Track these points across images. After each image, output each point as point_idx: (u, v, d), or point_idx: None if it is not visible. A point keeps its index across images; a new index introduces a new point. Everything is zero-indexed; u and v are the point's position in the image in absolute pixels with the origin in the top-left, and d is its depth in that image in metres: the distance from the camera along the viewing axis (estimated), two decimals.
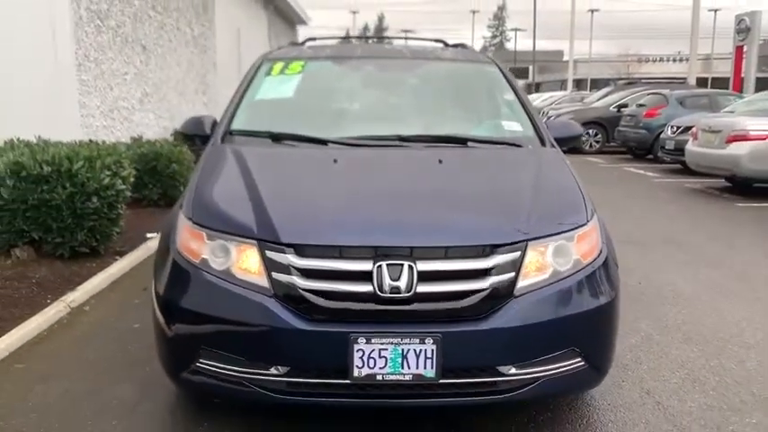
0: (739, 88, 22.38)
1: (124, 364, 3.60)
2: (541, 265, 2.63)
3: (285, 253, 2.53)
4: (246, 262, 2.60)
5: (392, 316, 2.49)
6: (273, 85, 3.91)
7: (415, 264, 2.48)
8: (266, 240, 2.58)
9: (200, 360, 2.64)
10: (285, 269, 2.52)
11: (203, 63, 13.02)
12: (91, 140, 6.35)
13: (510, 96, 3.91)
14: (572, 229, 2.75)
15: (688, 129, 12.09)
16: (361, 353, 2.45)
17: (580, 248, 2.73)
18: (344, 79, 4.03)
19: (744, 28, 24.06)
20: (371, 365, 2.46)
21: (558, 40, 75.79)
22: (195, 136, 3.74)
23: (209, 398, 2.96)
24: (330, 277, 2.51)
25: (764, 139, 9.45)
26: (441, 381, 2.49)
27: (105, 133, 8.15)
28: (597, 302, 2.71)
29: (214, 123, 3.72)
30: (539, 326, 2.56)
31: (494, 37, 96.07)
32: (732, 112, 11.46)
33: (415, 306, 2.49)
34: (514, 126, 3.65)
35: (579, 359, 2.68)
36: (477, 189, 2.99)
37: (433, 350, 2.45)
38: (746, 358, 3.77)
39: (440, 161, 3.17)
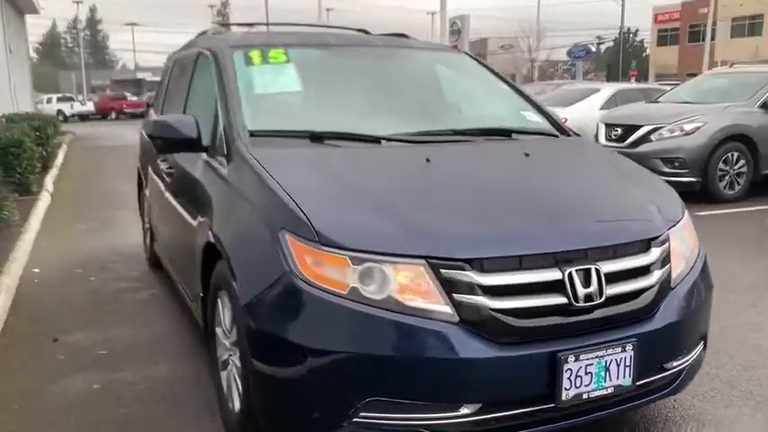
0: None
1: None
2: (679, 254, 2.60)
3: (465, 270, 2.15)
4: (413, 285, 2.15)
5: (588, 326, 2.26)
6: (267, 77, 3.31)
7: (600, 267, 2.28)
8: (438, 258, 2.16)
9: (361, 413, 2.13)
10: (469, 288, 2.14)
11: None
12: None
13: (504, 86, 3.81)
14: (682, 218, 2.75)
15: None
16: (569, 372, 2.19)
17: (690, 236, 2.76)
18: (348, 70, 3.51)
19: (456, 30, 27.15)
20: (578, 384, 2.21)
21: None
22: (175, 140, 3.01)
23: None
24: (518, 292, 2.19)
25: None
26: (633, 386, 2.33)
27: None
28: (711, 287, 2.77)
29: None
30: (693, 315, 2.56)
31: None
32: None
33: (605, 311, 2.29)
34: (534, 116, 3.55)
35: (702, 344, 2.72)
36: (589, 184, 2.82)
37: (631, 356, 2.29)
38: None
39: (526, 154, 2.95)
